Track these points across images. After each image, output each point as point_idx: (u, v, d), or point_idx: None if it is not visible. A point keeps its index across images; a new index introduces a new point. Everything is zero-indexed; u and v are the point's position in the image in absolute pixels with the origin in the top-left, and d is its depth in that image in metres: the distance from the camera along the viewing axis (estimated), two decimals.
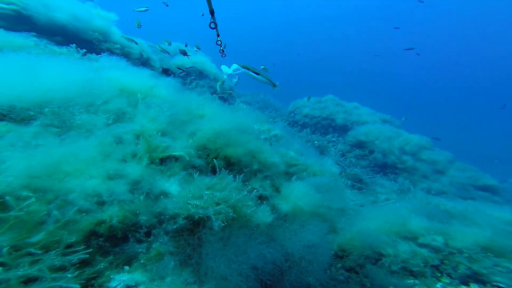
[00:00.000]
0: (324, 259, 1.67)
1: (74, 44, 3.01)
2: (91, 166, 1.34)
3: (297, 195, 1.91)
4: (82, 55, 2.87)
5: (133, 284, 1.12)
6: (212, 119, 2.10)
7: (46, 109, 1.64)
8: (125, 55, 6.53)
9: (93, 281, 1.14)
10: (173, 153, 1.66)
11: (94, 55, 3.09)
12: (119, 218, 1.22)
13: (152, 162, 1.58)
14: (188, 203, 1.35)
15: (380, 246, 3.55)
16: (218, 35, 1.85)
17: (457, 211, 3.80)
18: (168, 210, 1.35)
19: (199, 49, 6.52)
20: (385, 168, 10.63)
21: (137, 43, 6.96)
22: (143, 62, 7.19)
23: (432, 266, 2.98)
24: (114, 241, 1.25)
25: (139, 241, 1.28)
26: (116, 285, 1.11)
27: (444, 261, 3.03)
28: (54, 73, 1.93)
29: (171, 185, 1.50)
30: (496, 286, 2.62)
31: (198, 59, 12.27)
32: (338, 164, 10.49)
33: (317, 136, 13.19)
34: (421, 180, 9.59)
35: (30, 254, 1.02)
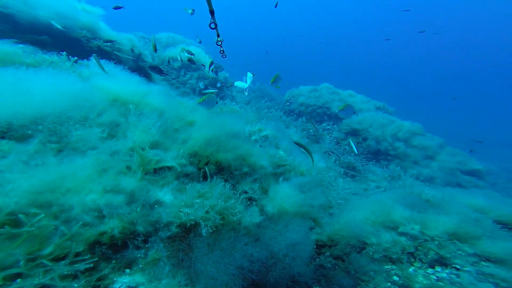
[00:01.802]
0: (305, 255, 1.87)
1: (64, 52, 3.02)
2: (89, 182, 1.48)
3: (282, 197, 2.09)
4: (73, 63, 2.89)
5: (134, 285, 1.32)
6: (203, 126, 2.21)
7: (42, 126, 1.74)
8: (116, 51, 6.42)
9: (99, 283, 1.33)
10: (166, 164, 1.80)
11: (85, 61, 3.11)
12: (119, 229, 1.38)
13: (146, 173, 1.72)
14: (181, 211, 1.52)
15: (365, 236, 3.84)
16: (218, 35, 1.87)
17: (436, 200, 4.06)
18: (162, 219, 1.52)
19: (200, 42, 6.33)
20: (378, 155, 10.91)
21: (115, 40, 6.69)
22: (134, 57, 7.09)
23: (408, 253, 3.27)
24: (115, 248, 1.43)
25: (138, 248, 1.46)
26: (119, 286, 1.30)
27: (418, 247, 3.32)
28: (46, 87, 2.00)
29: (165, 195, 1.66)
30: (454, 267, 2.94)
31: (193, 50, 12.03)
32: (332, 152, 10.74)
33: (311, 125, 13.33)
34: (412, 166, 9.92)
35: (43, 265, 1.19)
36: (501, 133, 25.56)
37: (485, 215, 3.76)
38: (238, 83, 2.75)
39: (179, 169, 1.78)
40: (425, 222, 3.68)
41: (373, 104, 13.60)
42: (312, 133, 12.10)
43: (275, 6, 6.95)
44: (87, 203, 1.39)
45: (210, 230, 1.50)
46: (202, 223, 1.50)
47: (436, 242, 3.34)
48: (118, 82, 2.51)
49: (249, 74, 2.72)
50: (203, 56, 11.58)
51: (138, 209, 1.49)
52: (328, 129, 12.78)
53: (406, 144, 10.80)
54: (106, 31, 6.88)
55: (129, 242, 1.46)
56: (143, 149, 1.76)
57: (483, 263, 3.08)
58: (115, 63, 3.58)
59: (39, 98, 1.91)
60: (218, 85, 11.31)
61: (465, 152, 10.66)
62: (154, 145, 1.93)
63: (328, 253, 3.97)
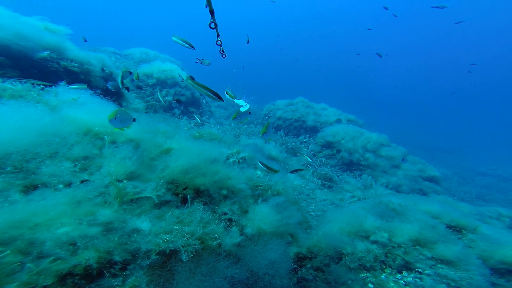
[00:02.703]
0: (283, 272, 1.96)
1: (28, 81, 2.90)
2: (62, 216, 1.45)
3: (260, 218, 2.19)
4: (39, 91, 2.79)
5: None
6: (180, 155, 2.26)
7: (7, 165, 1.67)
8: (85, 73, 6.21)
9: None
10: (143, 195, 1.81)
11: (53, 88, 3.02)
12: (94, 259, 1.36)
13: (122, 204, 1.72)
14: (160, 238, 1.54)
15: (342, 246, 4.06)
16: (218, 35, 1.95)
17: (400, 209, 4.47)
18: (141, 247, 1.52)
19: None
20: (351, 165, 11.59)
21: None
22: (105, 78, 6.91)
23: (380, 260, 3.53)
24: (89, 278, 1.39)
25: (115, 276, 1.44)
26: None
27: (388, 254, 3.61)
28: (9, 123, 1.92)
29: (143, 222, 1.66)
30: (417, 271, 3.26)
31: (167, 67, 12.02)
32: (309, 165, 11.17)
33: (290, 138, 13.85)
34: (382, 175, 10.68)
35: None
36: (448, 140, 28.94)
37: (440, 221, 4.24)
38: (239, 101, 2.85)
39: (156, 201, 1.81)
40: (392, 230, 4.01)
41: (344, 117, 14.61)
42: (290, 147, 12.53)
43: (247, 43, 7.36)
44: (59, 237, 1.36)
45: (191, 255, 1.53)
46: (182, 249, 1.53)
47: (402, 249, 3.65)
48: (90, 112, 2.48)
49: (240, 101, 2.86)
50: (180, 72, 11.60)
51: (115, 238, 1.48)
52: (305, 142, 13.35)
53: (375, 154, 11.68)
54: (74, 51, 6.65)
55: (105, 271, 1.44)
56: (119, 181, 1.76)
57: (439, 265, 3.45)
58: (84, 83, 3.48)
59: (2, 136, 1.83)
60: (204, 101, 11.30)
61: (423, 160, 11.85)
62: (131, 177, 1.94)
63: (309, 265, 4.10)
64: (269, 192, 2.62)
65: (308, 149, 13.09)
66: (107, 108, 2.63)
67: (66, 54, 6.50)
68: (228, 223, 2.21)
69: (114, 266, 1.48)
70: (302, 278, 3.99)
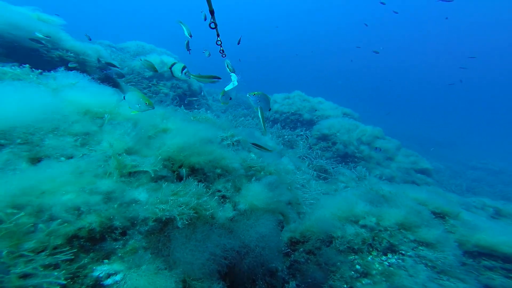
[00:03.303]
0: (273, 245, 2.11)
1: (27, 64, 2.96)
2: (66, 185, 1.56)
3: (253, 194, 2.32)
4: (38, 75, 2.85)
5: (113, 272, 1.42)
6: (176, 134, 2.37)
7: (12, 137, 1.76)
8: (81, 63, 6.21)
9: (78, 273, 1.42)
10: (141, 169, 1.93)
11: (52, 73, 3.08)
12: (96, 223, 1.49)
13: (121, 176, 1.83)
14: (156, 208, 1.66)
15: (333, 230, 4.24)
16: (218, 35, 2.02)
17: (390, 195, 4.65)
18: (139, 216, 1.64)
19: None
20: (346, 157, 11.78)
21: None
22: (101, 68, 6.91)
23: (367, 243, 3.73)
24: (93, 241, 1.52)
25: (116, 240, 1.57)
26: (98, 274, 1.40)
27: (375, 238, 3.80)
28: (11, 101, 2.01)
29: (140, 193, 1.78)
30: (400, 253, 3.48)
31: (165, 60, 11.94)
32: (305, 157, 11.36)
33: (287, 131, 13.97)
34: (375, 167, 10.92)
35: (24, 256, 1.27)
36: (442, 135, 29.37)
37: (426, 207, 4.44)
38: (228, 87, 2.85)
39: (152, 175, 1.92)
40: (380, 215, 4.20)
41: (340, 110, 14.73)
42: (287, 139, 12.67)
43: (238, 43, 7.36)
44: (65, 203, 1.47)
45: (186, 223, 1.66)
46: (177, 217, 1.66)
47: (388, 232, 3.85)
48: (89, 94, 2.56)
49: (233, 76, 2.88)
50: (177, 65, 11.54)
51: (115, 205, 1.61)
52: (301, 135, 13.48)
53: (369, 147, 11.88)
54: (69, 41, 6.63)
55: (106, 236, 1.56)
56: (119, 154, 1.87)
57: (420, 247, 3.67)
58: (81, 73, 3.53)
59: (5, 112, 1.92)
60: (202, 93, 11.29)
61: (416, 152, 12.09)
62: (129, 152, 2.04)
63: (301, 249, 4.29)
64: (262, 173, 2.75)
65: (304, 141, 13.22)
66: (105, 92, 2.71)
67: (61, 44, 6.48)
68: (221, 200, 2.34)
69: (114, 231, 1.61)
70: (294, 261, 4.17)
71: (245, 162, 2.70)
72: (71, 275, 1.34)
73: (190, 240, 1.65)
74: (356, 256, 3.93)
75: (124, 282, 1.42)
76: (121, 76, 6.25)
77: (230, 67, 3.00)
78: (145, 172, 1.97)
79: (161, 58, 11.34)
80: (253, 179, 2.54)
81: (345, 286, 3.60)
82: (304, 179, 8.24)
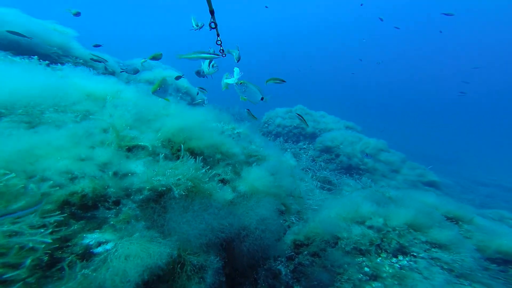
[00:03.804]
0: (274, 228, 1.98)
1: (36, 56, 3.09)
2: (62, 151, 1.52)
3: (253, 177, 2.24)
4: (45, 66, 2.96)
5: (104, 241, 1.32)
6: (177, 117, 2.37)
7: (15, 108, 1.77)
8: (89, 66, 6.48)
9: (68, 241, 1.32)
10: (140, 143, 1.89)
11: (58, 65, 3.19)
12: (90, 189, 1.42)
13: (119, 149, 1.79)
14: (152, 179, 1.59)
15: (338, 230, 4.03)
16: (218, 35, 2.07)
17: (396, 197, 4.48)
18: (134, 184, 1.57)
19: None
20: (350, 169, 11.57)
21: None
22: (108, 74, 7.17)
23: (376, 245, 3.51)
24: (85, 209, 1.43)
25: (109, 209, 1.48)
26: (88, 242, 1.30)
27: (383, 239, 3.59)
28: (17, 77, 2.06)
29: (137, 166, 1.72)
30: (412, 255, 3.26)
31: (169, 73, 12.37)
32: (309, 169, 11.20)
33: (289, 144, 13.94)
34: (381, 179, 10.66)
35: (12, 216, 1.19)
36: (446, 150, 28.99)
37: (436, 211, 4.23)
38: (229, 80, 2.82)
39: (150, 149, 1.88)
40: (387, 215, 4.00)
41: (343, 124, 14.79)
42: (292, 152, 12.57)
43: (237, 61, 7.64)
44: (59, 167, 1.42)
45: (183, 193, 1.58)
46: (174, 187, 1.58)
47: (397, 232, 3.64)
48: (94, 82, 2.62)
49: (237, 69, 2.88)
50: (181, 80, 11.96)
51: (110, 173, 1.54)
52: (304, 148, 13.43)
53: (374, 159, 11.71)
54: (79, 49, 6.98)
55: (99, 204, 1.48)
56: (118, 127, 1.84)
57: (433, 249, 3.43)
58: None
59: (11, 85, 1.96)
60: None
61: (423, 166, 11.84)
62: (130, 128, 2.02)
63: (306, 252, 4.05)
64: (263, 161, 2.68)
65: (307, 154, 13.14)
66: (109, 80, 2.78)
67: (71, 52, 6.82)
68: (220, 184, 2.26)
69: (108, 199, 1.53)
70: (299, 264, 3.93)
71: (245, 149, 2.65)
72: (60, 241, 1.25)
73: (187, 211, 1.56)
74: (364, 258, 3.68)
75: (115, 250, 1.32)
76: (137, 71, 6.50)
77: (236, 55, 3.02)
78: (144, 148, 1.93)
79: (165, 73, 11.80)
80: (253, 164, 2.47)
81: None
82: (308, 189, 8.03)
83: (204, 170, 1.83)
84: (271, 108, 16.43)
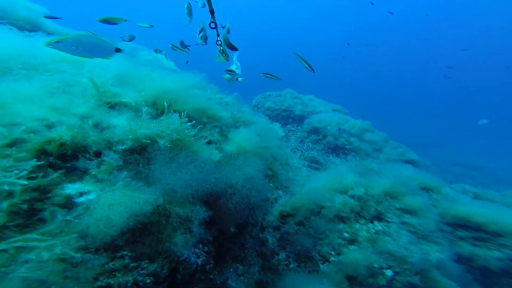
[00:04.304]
0: (260, 187, 2.04)
1: (5, 20, 2.79)
2: (35, 100, 1.43)
3: (241, 138, 2.25)
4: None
5: (86, 191, 1.30)
6: (161, 79, 2.27)
7: None
8: None
9: (48, 195, 1.29)
10: (123, 100, 1.82)
11: (26, 32, 2.92)
12: (68, 137, 1.36)
13: (101, 104, 1.72)
14: (136, 131, 1.55)
15: (322, 200, 4.22)
16: (218, 35, 2.02)
17: (378, 169, 4.73)
18: (116, 135, 1.53)
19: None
20: (337, 149, 11.93)
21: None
22: None
23: (355, 212, 3.75)
24: (64, 159, 1.39)
25: (90, 160, 1.44)
26: (70, 192, 1.27)
27: (363, 207, 3.83)
28: None
29: (119, 121, 1.67)
30: (386, 221, 3.54)
31: (153, 55, 11.73)
32: (297, 149, 11.41)
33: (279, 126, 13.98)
34: (365, 158, 11.11)
35: None
36: (428, 134, 30.52)
37: (412, 181, 4.53)
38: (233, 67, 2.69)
39: (133, 105, 1.82)
40: (368, 185, 4.23)
41: (330, 107, 15.01)
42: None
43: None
44: (32, 114, 1.34)
45: (168, 144, 1.56)
46: (158, 139, 1.55)
47: (375, 199, 3.88)
48: None
49: (237, 63, 2.77)
50: (165, 62, 11.43)
51: (90, 122, 1.49)
52: (293, 130, 13.60)
53: (359, 139, 12.10)
54: (51, 25, 6.40)
55: (80, 155, 1.44)
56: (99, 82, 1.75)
57: (404, 214, 3.73)
58: None
59: None
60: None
61: (403, 144, 12.46)
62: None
63: (292, 222, 4.23)
64: (252, 126, 2.69)
65: (295, 136, 13.32)
66: None
67: (43, 28, 6.26)
68: (207, 145, 2.25)
69: (88, 150, 1.49)
70: (285, 232, 4.12)
71: (233, 114, 2.63)
72: (39, 192, 1.21)
73: (173, 162, 1.55)
74: (344, 225, 3.92)
75: (98, 199, 1.31)
76: (133, 37, 6.06)
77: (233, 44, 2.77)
78: (126, 105, 1.86)
79: (154, 55, 11.19)
80: (241, 127, 2.47)
81: (332, 252, 3.61)
82: (296, 167, 8.25)
83: (189, 124, 1.80)
84: (261, 92, 16.30)
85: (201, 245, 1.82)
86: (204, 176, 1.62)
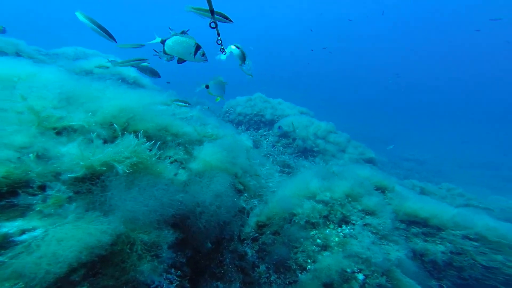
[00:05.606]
0: (229, 204, 2.04)
1: None
2: None
3: (206, 153, 2.23)
4: None
5: (30, 228, 1.16)
6: (116, 98, 2.14)
7: None
8: None
9: None
10: (71, 123, 1.66)
11: None
12: (1, 174, 1.20)
13: (44, 131, 1.55)
14: (89, 158, 1.43)
15: (293, 207, 4.35)
16: (218, 35, 1.95)
17: (339, 172, 5.07)
18: (64, 164, 1.39)
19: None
20: (306, 152, 12.51)
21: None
22: None
23: (324, 216, 3.93)
24: None
25: (34, 195, 1.29)
26: (8, 231, 1.11)
27: (331, 211, 4.03)
28: None
29: (70, 148, 1.52)
30: (352, 223, 3.81)
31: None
32: (270, 154, 11.68)
33: (251, 132, 14.19)
34: (331, 159, 11.85)
35: None
36: (384, 131, 33.95)
37: (369, 181, 4.95)
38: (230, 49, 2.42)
39: (86, 127, 1.68)
40: (331, 188, 4.49)
41: (297, 110, 15.74)
42: (251, 140, 12.82)
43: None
44: None
45: (126, 170, 1.47)
46: (116, 164, 1.46)
47: (339, 202, 4.13)
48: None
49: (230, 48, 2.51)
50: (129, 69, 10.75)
51: (31, 156, 1.33)
52: (265, 135, 13.91)
53: (324, 141, 12.88)
54: None
55: (19, 191, 1.27)
56: (40, 107, 1.57)
57: (366, 216, 4.04)
58: None
59: None
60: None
61: (363, 144, 13.65)
62: (54, 108, 1.74)
63: (268, 232, 4.28)
64: (218, 140, 2.68)
65: (267, 140, 13.62)
66: (21, 62, 2.29)
67: None
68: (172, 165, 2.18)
69: (31, 185, 1.33)
70: (263, 243, 4.14)
71: (197, 129, 2.59)
72: None
73: (133, 186, 1.47)
74: (316, 231, 4.06)
75: (46, 235, 1.17)
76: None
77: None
78: (76, 130, 1.71)
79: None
80: (205, 143, 2.45)
81: (308, 260, 3.68)
82: (269, 173, 8.40)
83: (148, 144, 1.73)
84: (232, 97, 16.34)
85: (173, 270, 1.75)
86: (169, 198, 1.57)
